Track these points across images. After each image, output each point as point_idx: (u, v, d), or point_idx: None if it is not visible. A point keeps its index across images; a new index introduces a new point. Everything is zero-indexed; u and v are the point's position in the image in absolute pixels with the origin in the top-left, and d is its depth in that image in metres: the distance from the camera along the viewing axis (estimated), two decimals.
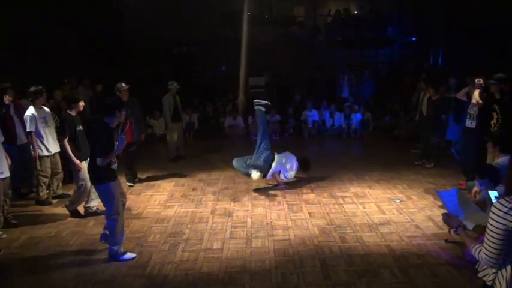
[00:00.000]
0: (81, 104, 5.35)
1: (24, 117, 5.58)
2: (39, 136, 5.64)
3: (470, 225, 3.65)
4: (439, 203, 5.56)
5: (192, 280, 3.79)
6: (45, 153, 5.71)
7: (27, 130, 5.57)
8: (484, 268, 2.41)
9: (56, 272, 4.00)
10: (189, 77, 13.52)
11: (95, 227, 5.05)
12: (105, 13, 12.43)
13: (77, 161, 5.16)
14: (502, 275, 2.24)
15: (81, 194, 5.32)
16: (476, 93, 5.77)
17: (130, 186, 6.69)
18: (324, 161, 8.15)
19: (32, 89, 5.64)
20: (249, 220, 5.17)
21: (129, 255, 4.27)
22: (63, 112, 5.39)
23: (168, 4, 12.52)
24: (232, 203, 5.82)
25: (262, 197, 6.05)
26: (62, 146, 5.22)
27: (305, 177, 6.96)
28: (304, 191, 6.28)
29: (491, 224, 2.17)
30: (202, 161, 8.42)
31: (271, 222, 5.09)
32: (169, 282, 3.77)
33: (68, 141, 5.16)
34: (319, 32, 14.76)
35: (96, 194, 4.69)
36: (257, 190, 6.38)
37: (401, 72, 11.96)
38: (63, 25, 10.39)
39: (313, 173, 7.27)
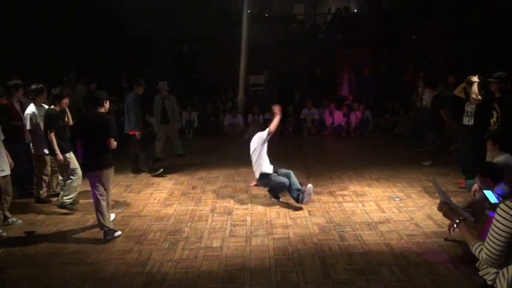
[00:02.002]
0: (65, 101, 5.51)
1: (25, 115, 5.60)
2: (40, 134, 5.64)
3: (471, 218, 3.63)
4: (438, 201, 5.55)
5: (192, 278, 3.79)
6: (46, 151, 5.70)
7: (28, 128, 5.58)
8: (485, 267, 2.40)
9: (55, 270, 4.00)
10: (189, 75, 13.54)
11: (94, 225, 5.05)
12: (105, 12, 12.41)
13: (61, 155, 5.35)
14: (503, 275, 2.22)
15: (76, 182, 5.49)
16: (475, 87, 5.71)
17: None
18: (323, 160, 8.15)
19: (33, 87, 5.66)
20: (248, 218, 5.17)
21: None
22: (49, 108, 5.47)
23: (168, 2, 12.51)
24: (231, 201, 5.82)
25: (261, 196, 6.04)
26: (50, 140, 5.30)
27: (305, 176, 6.96)
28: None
29: (496, 226, 2.14)
30: (202, 159, 8.42)
31: (270, 220, 5.09)
32: (169, 280, 3.77)
33: (54, 135, 5.31)
34: (319, 30, 14.75)
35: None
36: (257, 188, 6.38)
37: (401, 71, 11.97)
38: (63, 24, 10.39)
39: (312, 171, 7.28)
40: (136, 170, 7.32)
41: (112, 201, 5.79)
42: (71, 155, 5.52)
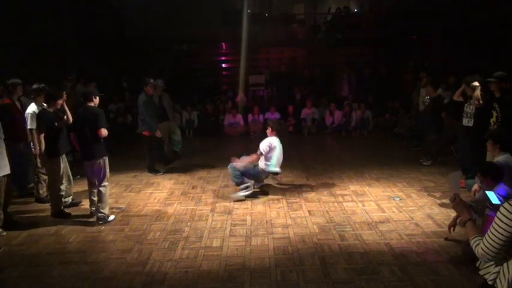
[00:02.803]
0: (60, 102, 5.45)
1: (26, 115, 5.61)
2: None
3: (478, 221, 3.63)
4: (438, 201, 5.57)
5: (192, 278, 3.79)
6: None
7: (28, 127, 5.59)
8: (485, 266, 2.39)
9: (55, 269, 4.01)
10: (189, 75, 13.54)
11: (94, 224, 5.05)
12: (105, 12, 12.41)
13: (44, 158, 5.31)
14: (503, 275, 2.22)
15: (60, 192, 5.37)
16: (477, 92, 5.73)
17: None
18: (323, 159, 8.15)
19: (34, 86, 5.66)
20: (248, 218, 5.17)
21: (111, 216, 5.20)
22: (42, 108, 5.39)
23: (168, 2, 12.50)
24: (231, 201, 5.82)
25: (261, 195, 6.05)
26: (39, 142, 5.24)
27: (305, 175, 6.96)
28: (304, 189, 6.28)
29: (497, 225, 2.13)
30: (201, 159, 8.42)
31: (270, 220, 5.09)
32: (169, 280, 3.77)
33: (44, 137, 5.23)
34: (319, 29, 14.75)
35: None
36: (257, 188, 6.38)
37: (401, 70, 11.96)
38: (63, 24, 10.39)
39: (312, 171, 7.28)
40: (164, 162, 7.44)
41: (112, 200, 5.84)
42: (62, 159, 5.38)
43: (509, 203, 2.15)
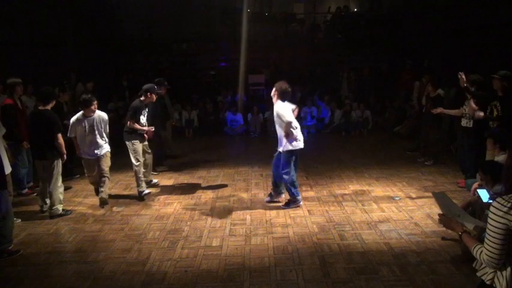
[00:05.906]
0: (53, 101, 5.39)
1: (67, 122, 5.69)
2: None
3: (470, 226, 3.62)
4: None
5: (191, 277, 3.79)
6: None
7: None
8: (482, 267, 2.38)
9: (55, 269, 4.01)
10: (189, 74, 13.55)
11: (94, 224, 5.06)
12: (104, 11, 12.41)
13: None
14: (501, 274, 2.20)
15: (61, 188, 5.40)
16: (472, 103, 5.72)
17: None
18: (323, 159, 8.14)
19: (84, 96, 5.63)
20: (248, 217, 5.17)
21: (155, 180, 6.57)
22: (46, 110, 5.22)
23: (167, 1, 12.50)
24: (231, 200, 5.82)
25: (261, 195, 6.05)
26: (60, 143, 5.18)
27: (304, 175, 6.96)
28: (304, 188, 6.27)
29: (491, 225, 2.12)
30: (201, 158, 8.42)
31: (270, 219, 5.09)
32: (169, 279, 3.77)
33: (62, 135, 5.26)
34: (319, 29, 14.75)
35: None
36: (256, 187, 6.39)
37: (400, 70, 11.96)
38: (63, 24, 10.39)
39: (312, 170, 7.28)
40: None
41: (111, 200, 5.84)
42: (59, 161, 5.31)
43: (497, 201, 2.14)
